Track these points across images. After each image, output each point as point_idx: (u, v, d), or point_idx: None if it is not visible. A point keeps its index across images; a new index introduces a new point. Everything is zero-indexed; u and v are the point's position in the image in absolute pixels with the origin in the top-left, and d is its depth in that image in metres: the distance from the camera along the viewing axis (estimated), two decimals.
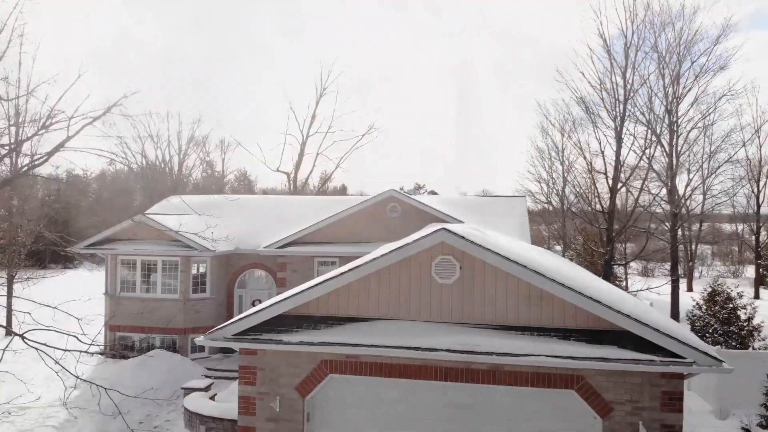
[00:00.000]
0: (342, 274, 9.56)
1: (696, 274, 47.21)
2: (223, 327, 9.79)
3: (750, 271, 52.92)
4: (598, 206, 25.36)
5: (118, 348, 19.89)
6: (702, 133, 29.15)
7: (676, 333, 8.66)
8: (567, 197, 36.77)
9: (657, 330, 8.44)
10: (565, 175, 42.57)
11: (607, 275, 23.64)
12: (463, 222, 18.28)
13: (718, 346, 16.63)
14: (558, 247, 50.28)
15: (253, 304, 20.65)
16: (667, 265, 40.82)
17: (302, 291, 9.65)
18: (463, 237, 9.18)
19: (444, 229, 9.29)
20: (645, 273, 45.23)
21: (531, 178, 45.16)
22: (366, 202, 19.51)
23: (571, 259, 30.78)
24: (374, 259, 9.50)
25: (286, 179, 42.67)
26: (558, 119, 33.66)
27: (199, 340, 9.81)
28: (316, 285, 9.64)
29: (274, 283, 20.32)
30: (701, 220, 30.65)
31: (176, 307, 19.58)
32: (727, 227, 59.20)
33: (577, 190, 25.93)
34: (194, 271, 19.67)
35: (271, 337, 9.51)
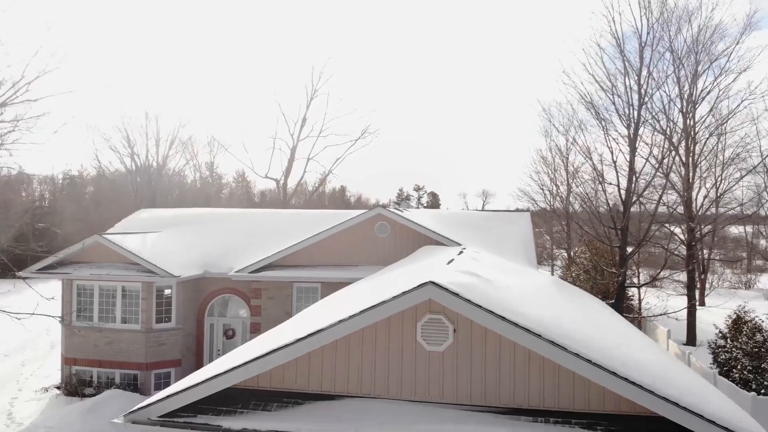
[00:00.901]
0: (302, 339, 7.37)
1: (706, 284, 45.02)
2: (148, 405, 7.58)
3: (765, 281, 50.69)
4: (606, 218, 23.17)
5: (74, 384, 17.69)
6: (718, 140, 26.95)
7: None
8: (572, 205, 34.66)
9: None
10: (570, 181, 40.48)
11: (621, 299, 21.45)
12: (460, 244, 16.10)
13: (753, 393, 14.45)
14: (561, 250, 48.27)
15: (226, 334, 18.45)
16: (678, 276, 38.67)
17: (251, 361, 7.46)
18: (457, 294, 7.00)
19: (432, 283, 7.09)
20: (653, 283, 43.06)
21: (533, 187, 43.19)
22: (351, 220, 17.31)
23: (578, 276, 28.60)
24: (342, 320, 7.30)
25: (276, 185, 40.57)
26: (562, 122, 31.57)
27: (116, 421, 7.60)
28: (269, 353, 7.44)
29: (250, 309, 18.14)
30: (714, 228, 28.24)
31: (137, 339, 17.37)
32: (734, 230, 56.80)
33: (585, 202, 23.67)
34: (158, 299, 17.46)
35: (209, 421, 7.31)
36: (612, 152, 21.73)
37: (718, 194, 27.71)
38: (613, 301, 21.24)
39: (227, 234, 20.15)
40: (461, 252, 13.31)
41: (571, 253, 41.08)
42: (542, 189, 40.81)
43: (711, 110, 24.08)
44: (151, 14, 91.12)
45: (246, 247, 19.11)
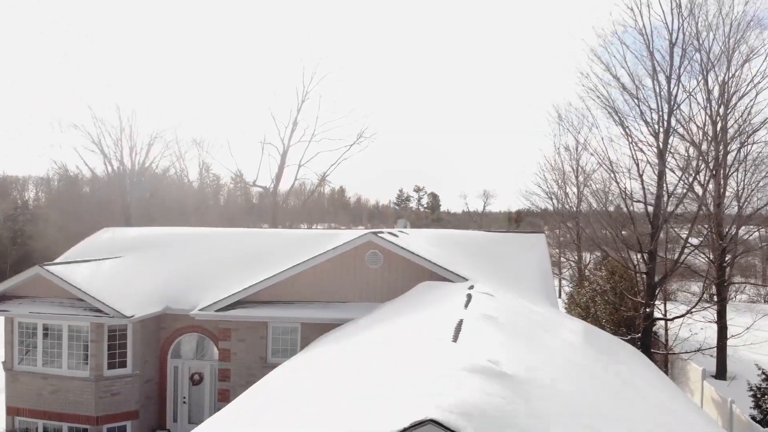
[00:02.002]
0: None
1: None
2: None
3: None
4: (628, 236, 20.51)
5: None
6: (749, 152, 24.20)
7: None
8: (586, 216, 31.94)
9: None
10: (581, 188, 37.69)
11: (648, 335, 18.77)
12: (467, 279, 13.46)
13: None
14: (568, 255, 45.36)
15: (192, 379, 15.83)
16: (691, 286, 35.91)
17: None
18: None
19: (432, 422, 4.45)
20: (665, 296, 40.21)
21: (540, 196, 40.49)
22: (338, 248, 14.66)
23: (593, 299, 25.91)
24: None
25: (265, 192, 37.92)
26: (574, 125, 28.91)
27: None
28: None
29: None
30: (745, 250, 25.44)
31: (86, 389, 14.75)
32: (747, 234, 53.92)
33: (607, 222, 20.91)
34: (110, 340, 14.84)
35: None
36: (638, 165, 19.08)
37: (748, 210, 25.07)
38: (638, 335, 18.62)
39: (197, 259, 17.53)
40: (469, 297, 10.69)
41: (583, 266, 38.43)
42: (550, 198, 38.21)
43: (746, 117, 21.38)
44: (140, 15, 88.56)
45: (218, 275, 16.50)
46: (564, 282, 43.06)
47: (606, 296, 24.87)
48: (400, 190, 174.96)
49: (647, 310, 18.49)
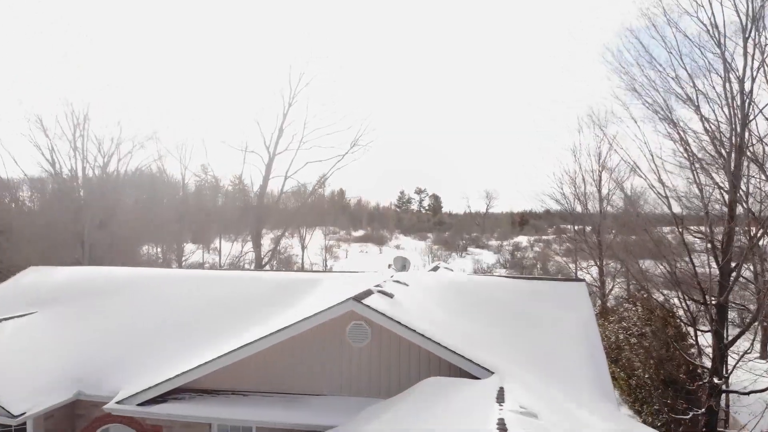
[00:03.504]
0: None
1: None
2: None
3: None
4: (685, 281, 16.36)
5: None
6: None
7: None
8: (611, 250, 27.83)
9: None
10: (608, 197, 33.48)
11: (715, 413, 14.62)
12: (492, 372, 9.35)
13: None
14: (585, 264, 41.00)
15: None
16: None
17: None
18: None
19: None
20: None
21: (556, 200, 36.42)
22: (310, 320, 10.50)
23: (627, 340, 21.75)
24: None
25: (256, 200, 33.89)
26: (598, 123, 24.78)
27: None
28: None
29: None
30: None
31: None
32: None
33: (669, 274, 16.53)
34: None
35: None
36: (701, 193, 14.92)
37: None
38: (701, 411, 14.50)
39: (137, 313, 13.48)
40: (502, 424, 6.70)
41: (605, 288, 34.17)
42: (571, 201, 34.03)
43: None
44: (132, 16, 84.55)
45: (159, 340, 12.45)
46: None
47: (645, 342, 20.73)
48: (401, 192, 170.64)
49: (715, 380, 14.32)
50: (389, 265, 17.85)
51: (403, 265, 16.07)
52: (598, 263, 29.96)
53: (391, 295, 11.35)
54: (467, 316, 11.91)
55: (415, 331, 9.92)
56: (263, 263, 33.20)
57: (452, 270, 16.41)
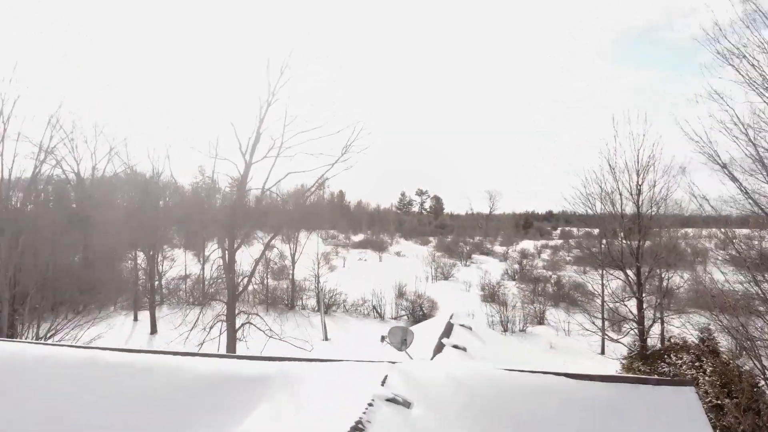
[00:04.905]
0: None
1: None
2: None
3: None
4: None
5: None
6: None
7: None
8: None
9: None
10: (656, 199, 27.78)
11: None
12: None
13: None
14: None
15: None
16: None
17: None
18: None
19: None
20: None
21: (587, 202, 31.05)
22: None
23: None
24: None
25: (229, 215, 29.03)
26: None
27: None
28: None
29: None
30: None
31: None
32: None
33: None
34: None
35: None
36: None
37: None
38: None
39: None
40: None
41: (645, 333, 28.54)
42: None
43: None
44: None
45: None
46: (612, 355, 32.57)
47: (724, 419, 15.76)
48: (402, 194, 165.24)
49: None
50: (383, 338, 12.90)
51: (402, 339, 10.99)
52: (637, 293, 24.62)
53: None
54: None
55: None
56: (251, 271, 28.08)
57: (465, 349, 10.74)
